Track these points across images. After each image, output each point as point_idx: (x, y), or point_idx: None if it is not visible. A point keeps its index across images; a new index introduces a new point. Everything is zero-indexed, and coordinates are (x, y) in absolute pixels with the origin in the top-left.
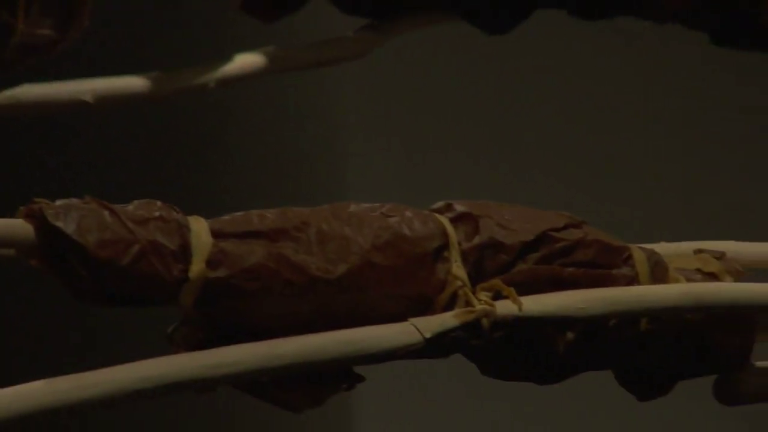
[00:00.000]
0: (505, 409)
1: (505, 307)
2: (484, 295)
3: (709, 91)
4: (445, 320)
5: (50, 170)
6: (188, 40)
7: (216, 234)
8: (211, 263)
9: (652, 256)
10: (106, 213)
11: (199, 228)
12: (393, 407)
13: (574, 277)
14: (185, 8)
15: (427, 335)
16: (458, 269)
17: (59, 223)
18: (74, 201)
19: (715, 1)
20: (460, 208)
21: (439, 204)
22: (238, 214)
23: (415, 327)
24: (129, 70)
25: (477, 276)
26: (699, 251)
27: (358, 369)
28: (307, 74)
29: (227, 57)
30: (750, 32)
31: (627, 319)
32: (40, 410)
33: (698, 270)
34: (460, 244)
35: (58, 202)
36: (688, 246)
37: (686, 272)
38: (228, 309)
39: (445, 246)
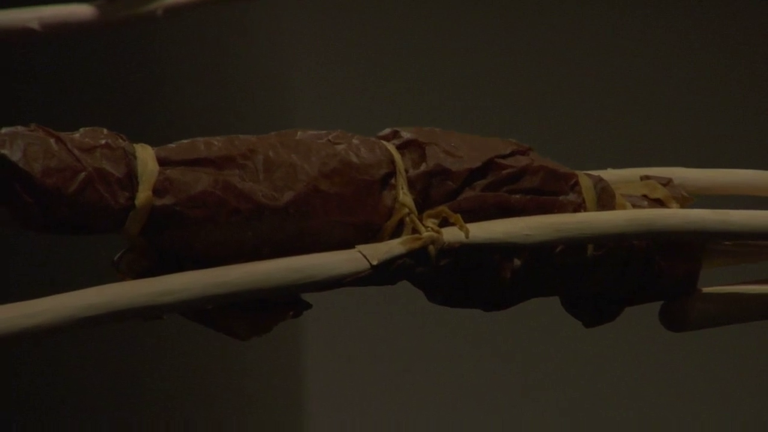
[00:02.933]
0: (447, 334)
1: (451, 234)
2: (431, 222)
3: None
4: (392, 247)
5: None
6: None
7: (162, 161)
8: (157, 191)
9: (598, 182)
10: (52, 141)
11: (146, 155)
12: (341, 334)
13: (520, 203)
14: None
15: (374, 262)
16: (405, 196)
17: (5, 151)
18: (20, 128)
19: None
20: (406, 135)
21: (386, 131)
22: (185, 141)
23: (362, 254)
24: None
25: (424, 203)
26: (646, 177)
27: (306, 296)
28: (255, 3)
29: None
30: None
31: (574, 245)
32: None
33: (645, 196)
34: (407, 171)
35: (4, 130)
36: (635, 172)
37: (633, 198)
38: (174, 237)
39: (392, 173)
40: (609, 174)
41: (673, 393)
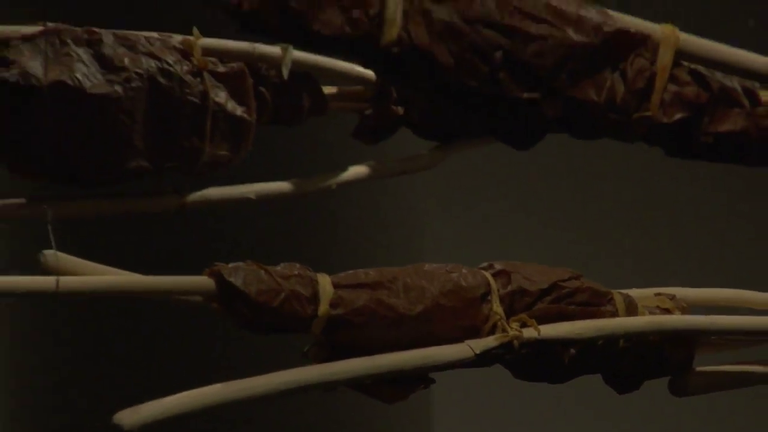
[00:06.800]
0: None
1: (529, 333)
2: (515, 325)
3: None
4: (489, 342)
5: (226, 244)
6: (310, 147)
7: (335, 285)
8: (332, 305)
9: (626, 297)
10: (262, 272)
11: (324, 281)
12: (462, 402)
13: (574, 312)
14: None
15: (477, 352)
16: (497, 307)
17: (231, 279)
18: (241, 264)
19: (668, 128)
20: (498, 266)
21: (485, 264)
22: (350, 271)
23: (469, 346)
24: (274, 173)
25: (510, 312)
26: (658, 294)
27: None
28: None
29: (344, 168)
30: (693, 148)
31: (610, 340)
32: (221, 403)
33: (657, 306)
34: (498, 290)
35: (231, 265)
36: (650, 291)
37: (649, 308)
38: (344, 335)
39: (489, 292)
40: (633, 292)
41: None
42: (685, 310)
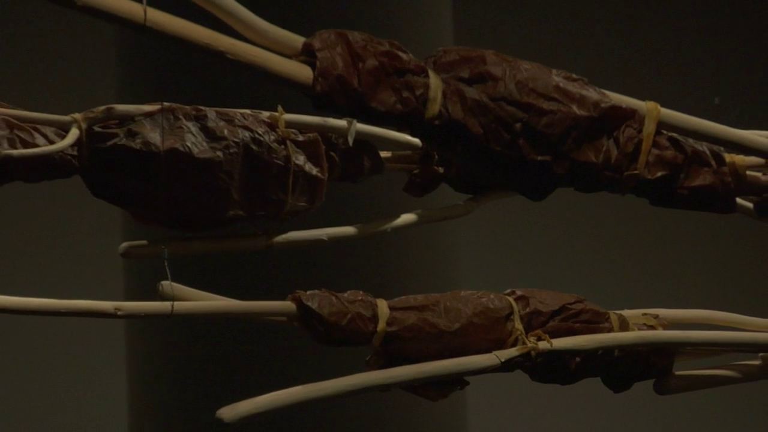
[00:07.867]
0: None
1: (543, 345)
2: (532, 339)
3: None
4: (511, 352)
5: (303, 276)
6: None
7: (390, 308)
8: (388, 323)
9: (620, 316)
10: (333, 297)
11: (382, 305)
12: (492, 401)
13: (579, 328)
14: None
15: (502, 360)
16: (518, 325)
17: (309, 303)
18: (316, 291)
19: (651, 183)
20: (519, 292)
21: (508, 291)
22: (402, 297)
23: (496, 356)
24: (341, 220)
25: (528, 328)
26: (645, 314)
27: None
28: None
29: (397, 216)
30: (672, 199)
31: (607, 350)
32: (303, 401)
33: (644, 324)
34: (519, 312)
35: (308, 292)
36: (638, 311)
37: (638, 325)
38: (397, 347)
39: (512, 313)
40: (625, 312)
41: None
42: (666, 327)
